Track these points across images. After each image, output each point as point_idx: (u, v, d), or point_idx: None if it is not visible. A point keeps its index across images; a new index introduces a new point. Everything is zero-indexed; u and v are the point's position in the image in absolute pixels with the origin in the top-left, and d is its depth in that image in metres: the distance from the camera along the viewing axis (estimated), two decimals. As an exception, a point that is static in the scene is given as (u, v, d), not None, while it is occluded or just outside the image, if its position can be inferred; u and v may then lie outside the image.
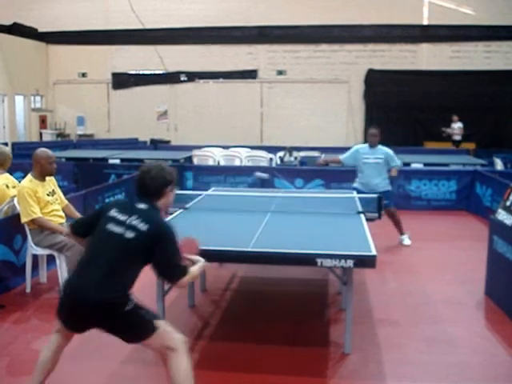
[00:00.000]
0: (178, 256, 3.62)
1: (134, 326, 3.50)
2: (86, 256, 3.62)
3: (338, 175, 11.28)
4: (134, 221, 3.54)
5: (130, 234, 3.51)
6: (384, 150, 8.58)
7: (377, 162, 8.51)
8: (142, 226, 3.52)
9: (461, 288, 6.56)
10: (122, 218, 3.59)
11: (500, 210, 6.10)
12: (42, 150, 6.29)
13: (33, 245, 6.12)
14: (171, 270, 3.61)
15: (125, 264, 3.51)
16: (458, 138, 18.25)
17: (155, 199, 3.73)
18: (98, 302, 3.41)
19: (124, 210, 3.64)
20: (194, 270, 3.79)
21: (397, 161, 8.59)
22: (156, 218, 3.65)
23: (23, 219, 6.01)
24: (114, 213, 3.64)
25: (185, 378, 3.54)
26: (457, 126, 18.08)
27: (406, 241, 8.69)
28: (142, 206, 3.66)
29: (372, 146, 8.60)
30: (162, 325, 3.59)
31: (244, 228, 5.47)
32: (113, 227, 3.57)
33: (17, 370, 4.49)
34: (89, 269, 3.51)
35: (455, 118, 18.21)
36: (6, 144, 16.74)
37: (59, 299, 3.64)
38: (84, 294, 3.43)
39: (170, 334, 3.59)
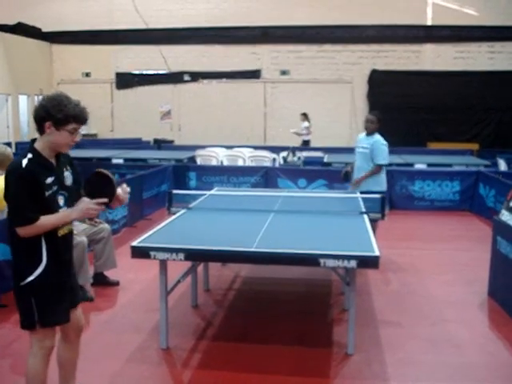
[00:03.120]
0: (14, 200, 3.21)
1: (19, 306, 3.43)
2: None
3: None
4: None
5: None
6: (373, 140, 7.68)
7: (362, 151, 7.76)
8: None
9: (464, 289, 6.55)
10: None
11: (503, 211, 6.10)
12: None
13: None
14: (11, 214, 3.27)
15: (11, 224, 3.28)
16: (306, 138, 17.81)
17: (40, 134, 3.30)
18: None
19: None
20: (49, 219, 3.26)
21: (379, 157, 7.61)
22: (11, 163, 3.40)
23: None
24: None
25: (28, 377, 3.52)
26: (303, 126, 17.73)
27: None
28: None
29: (367, 133, 7.81)
30: (44, 331, 3.43)
31: (247, 228, 5.46)
32: None
33: (20, 369, 4.49)
34: None
35: (302, 117, 17.79)
36: (9, 144, 16.78)
37: None
38: None
39: (40, 342, 3.46)
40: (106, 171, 3.48)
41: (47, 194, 3.25)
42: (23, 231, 3.19)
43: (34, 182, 3.18)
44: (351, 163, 8.10)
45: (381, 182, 7.72)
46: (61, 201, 3.34)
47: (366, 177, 7.64)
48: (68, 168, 3.46)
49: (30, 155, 3.24)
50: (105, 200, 3.39)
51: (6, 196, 3.23)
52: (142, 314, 5.68)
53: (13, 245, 3.35)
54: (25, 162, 3.19)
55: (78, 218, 3.45)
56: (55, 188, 3.30)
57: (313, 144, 17.80)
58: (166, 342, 4.82)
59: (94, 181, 3.47)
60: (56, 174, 3.33)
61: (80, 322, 3.73)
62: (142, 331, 5.20)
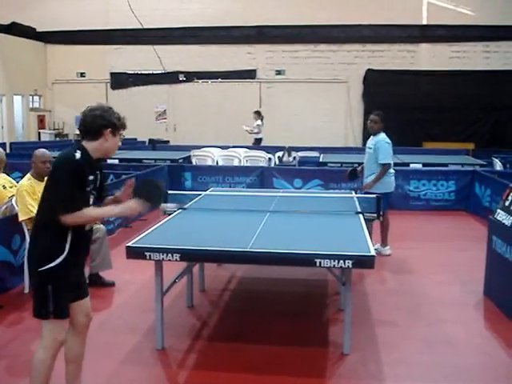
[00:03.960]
0: (60, 187, 3.37)
1: (35, 293, 3.51)
2: None
3: (337, 175, 11.26)
4: None
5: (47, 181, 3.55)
6: (377, 139, 7.77)
7: (368, 151, 7.85)
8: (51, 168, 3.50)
9: (460, 288, 6.55)
10: None
11: (499, 211, 6.10)
12: (38, 150, 6.29)
13: (31, 245, 6.10)
14: (54, 200, 3.39)
15: (40, 212, 3.50)
16: (258, 136, 17.78)
17: (92, 139, 3.53)
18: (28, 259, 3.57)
19: None
20: (95, 211, 3.56)
21: (380, 156, 7.63)
22: (63, 152, 3.53)
23: (21, 217, 6.00)
24: None
25: (34, 365, 3.53)
26: (256, 124, 17.68)
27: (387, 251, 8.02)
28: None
29: (371, 133, 7.94)
30: (57, 323, 3.49)
31: (243, 228, 5.45)
32: None
33: (15, 370, 4.48)
34: None
35: (255, 115, 17.77)
36: (3, 144, 16.74)
37: None
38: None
39: (53, 334, 3.51)
40: (160, 183, 3.88)
41: (87, 189, 3.51)
42: (69, 218, 3.35)
43: (82, 174, 3.42)
44: (362, 163, 8.07)
45: (385, 183, 7.72)
46: (91, 199, 3.59)
47: (376, 181, 7.65)
48: (98, 173, 3.67)
49: (79, 151, 3.44)
50: (149, 205, 3.67)
51: (52, 182, 3.42)
52: (137, 314, 5.67)
53: (37, 231, 3.47)
54: (78, 155, 3.41)
55: (120, 215, 3.65)
56: (91, 186, 3.56)
57: (309, 144, 17.76)
58: (161, 342, 4.81)
59: (145, 186, 3.80)
60: (95, 174, 3.60)
61: (90, 313, 3.83)
62: (137, 332, 5.19)
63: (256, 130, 17.62)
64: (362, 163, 8.08)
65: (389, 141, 7.78)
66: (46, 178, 6.10)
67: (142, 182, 3.88)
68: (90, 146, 3.52)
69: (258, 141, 17.70)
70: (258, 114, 17.76)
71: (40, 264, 3.39)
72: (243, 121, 20.86)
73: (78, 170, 3.38)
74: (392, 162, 7.88)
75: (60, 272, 3.41)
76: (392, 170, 7.90)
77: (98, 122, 3.51)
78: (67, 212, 3.34)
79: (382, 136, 7.79)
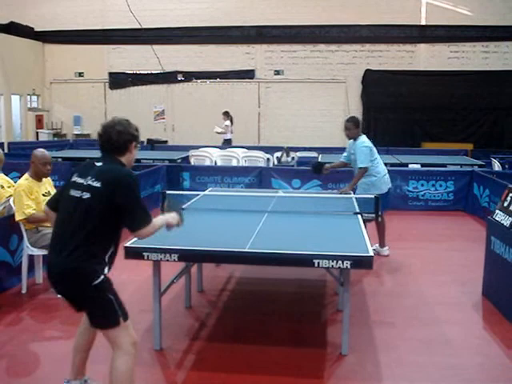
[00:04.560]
0: (137, 203, 3.49)
1: (97, 306, 3.47)
2: (56, 225, 3.61)
3: (336, 176, 11.24)
4: (90, 180, 3.48)
5: (86, 195, 3.46)
6: (356, 143, 7.68)
7: (353, 158, 7.79)
8: (96, 184, 3.44)
9: (458, 289, 6.55)
10: (80, 180, 3.54)
11: (497, 211, 6.09)
12: (38, 150, 6.27)
13: (29, 245, 6.10)
14: (132, 218, 3.48)
15: (87, 228, 3.40)
16: (227, 137, 17.73)
17: (120, 155, 3.64)
18: (63, 272, 3.42)
19: (83, 172, 3.58)
20: (157, 220, 3.69)
21: (358, 160, 7.57)
22: (111, 171, 3.52)
23: (18, 217, 5.98)
24: (75, 177, 3.60)
25: (121, 379, 3.51)
26: (225, 125, 17.66)
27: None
28: (99, 163, 3.60)
29: (351, 139, 7.85)
30: (126, 325, 3.53)
31: (241, 229, 5.45)
32: (72, 192, 3.53)
33: (13, 371, 4.47)
34: (56, 239, 3.52)
35: (224, 116, 17.75)
36: (1, 144, 16.73)
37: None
38: (54, 266, 3.47)
39: (128, 336, 3.54)
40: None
41: None
42: (149, 229, 3.54)
43: None
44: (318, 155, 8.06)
45: (376, 185, 7.66)
46: None
47: (353, 184, 7.67)
48: None
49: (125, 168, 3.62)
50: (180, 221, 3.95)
51: (129, 202, 3.45)
52: (135, 315, 5.62)
53: (83, 246, 3.40)
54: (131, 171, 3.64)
55: (169, 224, 3.83)
56: None
57: (307, 144, 17.77)
58: (159, 343, 4.80)
59: (175, 205, 4.20)
60: None
61: None
62: (135, 332, 5.16)
63: (225, 131, 17.62)
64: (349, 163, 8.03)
65: (368, 144, 7.67)
66: (44, 179, 6.19)
67: (172, 202, 4.21)
68: (123, 160, 3.66)
69: (227, 141, 17.70)
70: (227, 114, 17.79)
71: (93, 278, 3.39)
72: (243, 121, 20.92)
73: (138, 184, 3.62)
74: (377, 165, 7.77)
75: (108, 280, 3.50)
76: (382, 171, 7.82)
77: (125, 138, 3.63)
78: (147, 223, 3.51)
79: (361, 140, 7.69)
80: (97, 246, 3.45)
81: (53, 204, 3.82)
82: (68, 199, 3.55)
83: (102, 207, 3.41)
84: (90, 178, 3.48)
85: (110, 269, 3.57)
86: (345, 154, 8.10)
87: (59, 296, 3.74)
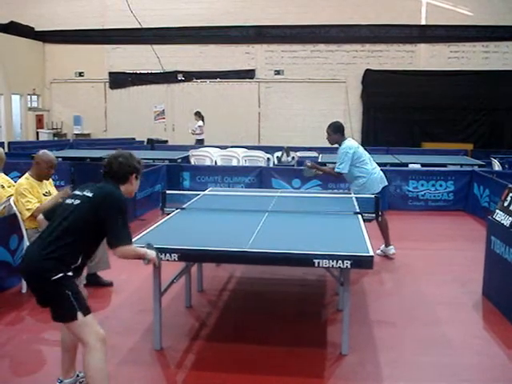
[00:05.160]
0: (120, 223, 3.64)
1: (55, 300, 3.58)
2: (45, 228, 3.80)
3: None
4: (85, 191, 3.74)
5: (76, 202, 3.70)
6: (339, 149, 7.76)
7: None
8: (89, 194, 3.70)
9: (458, 289, 6.54)
10: (77, 192, 3.81)
11: (498, 211, 6.09)
12: (45, 153, 6.28)
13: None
14: (113, 235, 3.64)
15: (64, 230, 3.60)
16: (199, 137, 17.86)
17: (119, 183, 3.87)
18: (30, 265, 3.60)
19: (83, 187, 3.84)
20: (139, 248, 3.90)
21: (337, 162, 7.67)
22: (106, 188, 3.78)
23: (25, 216, 6.00)
24: (75, 191, 3.87)
25: (94, 375, 3.59)
26: (197, 125, 17.74)
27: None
28: (102, 183, 3.85)
29: (334, 145, 7.96)
30: (85, 319, 3.59)
31: (241, 228, 5.45)
32: (67, 200, 3.80)
33: (13, 370, 4.47)
34: (36, 239, 3.75)
35: (196, 116, 17.87)
36: (2, 143, 16.73)
37: None
38: (25, 258, 3.71)
39: (89, 328, 3.61)
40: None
41: None
42: (124, 250, 3.67)
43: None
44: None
45: (367, 186, 7.63)
46: None
47: (321, 170, 8.12)
48: None
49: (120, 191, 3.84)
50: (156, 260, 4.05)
51: (112, 218, 3.61)
52: (135, 314, 5.66)
53: (55, 243, 3.56)
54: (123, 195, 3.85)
55: (147, 258, 3.94)
56: None
57: (307, 144, 17.75)
58: (159, 343, 4.80)
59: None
60: None
61: None
62: (135, 332, 5.18)
63: (198, 131, 17.63)
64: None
65: (348, 149, 7.64)
66: (46, 181, 6.19)
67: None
68: (121, 188, 3.88)
69: (200, 141, 17.74)
70: (199, 114, 17.87)
71: (53, 274, 3.51)
72: (243, 121, 20.93)
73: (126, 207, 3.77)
74: (368, 165, 7.76)
75: (70, 278, 3.59)
76: (371, 171, 7.74)
77: (126, 170, 3.88)
78: (127, 244, 3.67)
79: (343, 145, 7.72)
80: (68, 252, 3.59)
81: (49, 214, 4.00)
82: (63, 206, 3.82)
83: (85, 216, 3.63)
84: (86, 190, 3.76)
85: (74, 276, 3.65)
86: None
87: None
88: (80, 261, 3.66)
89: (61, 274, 3.51)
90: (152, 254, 3.98)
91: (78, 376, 4.06)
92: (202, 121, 17.84)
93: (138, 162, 3.97)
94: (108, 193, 3.72)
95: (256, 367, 4.55)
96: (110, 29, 21.14)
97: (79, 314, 3.55)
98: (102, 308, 5.87)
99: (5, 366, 4.53)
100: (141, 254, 3.90)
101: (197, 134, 17.75)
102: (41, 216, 4.07)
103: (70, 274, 3.57)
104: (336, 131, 7.81)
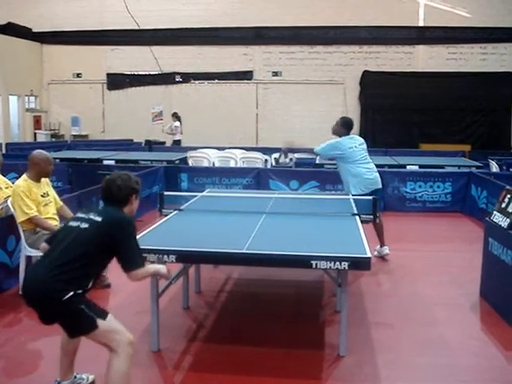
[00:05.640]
0: (134, 247, 3.69)
1: (69, 317, 3.54)
2: (49, 249, 3.76)
3: (333, 177, 11.24)
4: (91, 215, 3.72)
5: (84, 225, 3.66)
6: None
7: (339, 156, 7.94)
8: (97, 218, 3.68)
9: (456, 290, 6.55)
10: (82, 215, 3.79)
11: (495, 212, 6.10)
12: (39, 152, 6.27)
13: (26, 246, 6.09)
14: (127, 260, 3.65)
15: (74, 253, 3.55)
16: (176, 137, 17.96)
17: (121, 207, 3.88)
18: (37, 289, 3.50)
19: (86, 210, 3.85)
20: (150, 266, 3.90)
21: (319, 146, 7.89)
22: (113, 212, 3.80)
23: (20, 218, 5.98)
24: (77, 214, 3.87)
25: (117, 381, 3.57)
26: (174, 126, 17.78)
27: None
28: (104, 207, 3.91)
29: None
30: (106, 323, 3.59)
31: (239, 230, 5.44)
32: (71, 223, 3.79)
33: (11, 372, 4.46)
34: (41, 260, 3.68)
35: (173, 117, 17.97)
36: (-1, 145, 16.73)
37: None
38: (30, 283, 3.60)
39: (113, 334, 3.61)
40: None
41: None
42: (139, 273, 3.67)
43: None
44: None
45: (355, 185, 7.68)
46: None
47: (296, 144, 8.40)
48: None
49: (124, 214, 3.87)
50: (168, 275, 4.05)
51: (126, 243, 3.64)
52: (132, 316, 5.65)
53: (67, 272, 3.50)
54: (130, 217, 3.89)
55: (158, 274, 4.01)
56: None
57: (305, 145, 17.75)
58: (157, 344, 4.79)
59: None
60: None
61: None
62: (132, 333, 5.09)
63: (174, 132, 17.65)
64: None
65: (338, 145, 7.79)
66: (42, 180, 6.19)
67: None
68: (125, 210, 3.91)
69: (177, 142, 17.84)
70: (176, 115, 17.99)
71: (62, 294, 3.45)
72: (241, 122, 20.94)
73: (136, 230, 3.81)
74: (357, 166, 7.75)
75: (79, 294, 3.54)
76: (363, 173, 7.72)
77: (128, 192, 3.89)
78: (141, 267, 3.68)
79: (340, 139, 7.88)
80: (79, 275, 3.55)
81: (50, 239, 3.93)
82: (66, 228, 3.78)
83: (96, 241, 3.60)
84: (92, 214, 3.73)
85: (84, 293, 3.62)
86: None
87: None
88: (91, 283, 3.66)
89: (71, 293, 3.46)
90: (163, 269, 3.97)
91: (75, 377, 4.07)
92: (179, 122, 17.98)
93: (137, 183, 3.98)
94: (118, 218, 3.74)
95: (253, 369, 4.54)
96: (107, 30, 21.13)
97: (99, 321, 3.54)
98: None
99: (2, 367, 4.52)
100: (153, 273, 3.92)
101: (172, 134, 17.73)
102: (44, 244, 3.97)
103: (80, 291, 3.54)
104: (344, 126, 7.95)
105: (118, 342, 3.59)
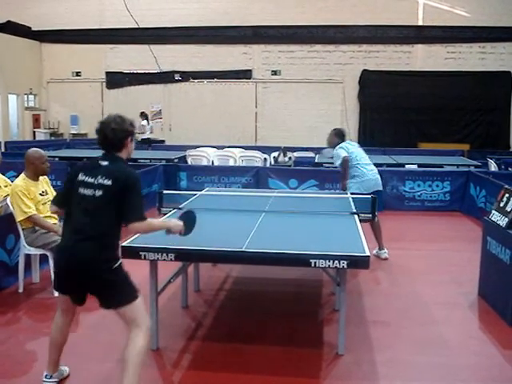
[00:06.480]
0: (137, 201, 3.76)
1: (119, 286, 3.74)
2: (70, 221, 3.82)
3: (332, 176, 11.26)
4: (100, 179, 3.73)
5: (98, 193, 3.72)
6: (334, 152, 8.11)
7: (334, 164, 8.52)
8: (107, 182, 3.71)
9: (454, 289, 6.56)
10: (89, 180, 3.77)
11: (494, 211, 6.11)
12: (34, 150, 6.26)
13: (26, 244, 6.09)
14: (132, 211, 3.74)
15: (102, 220, 3.71)
16: (145, 136, 17.91)
17: (117, 151, 3.90)
18: (85, 262, 3.66)
19: (90, 171, 3.82)
20: (156, 221, 4.03)
21: (336, 160, 8.06)
22: (118, 171, 3.80)
23: (19, 218, 5.98)
24: (81, 176, 3.81)
25: (137, 355, 3.72)
26: (141, 124, 17.73)
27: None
28: (105, 163, 3.84)
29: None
30: (141, 297, 3.83)
31: (238, 228, 5.44)
32: (84, 190, 3.76)
33: (9, 370, 4.46)
34: (74, 231, 3.73)
35: (141, 116, 17.96)
36: (-1, 143, 16.73)
37: (54, 269, 3.93)
38: (73, 258, 3.69)
39: (142, 310, 3.85)
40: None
41: None
42: (142, 226, 3.79)
43: None
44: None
45: (356, 187, 7.83)
46: None
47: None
48: None
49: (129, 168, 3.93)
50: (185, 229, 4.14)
51: (130, 197, 3.73)
52: (131, 314, 5.65)
53: (103, 236, 3.72)
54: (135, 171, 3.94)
55: (171, 228, 4.07)
56: None
57: (304, 144, 17.78)
58: (156, 342, 4.80)
59: (188, 215, 4.34)
60: None
61: None
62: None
63: (142, 130, 17.62)
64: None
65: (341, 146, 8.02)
66: (41, 178, 6.19)
67: (187, 212, 4.38)
68: (123, 156, 3.94)
69: (145, 141, 17.86)
70: (143, 114, 18.03)
71: (113, 263, 3.72)
72: (240, 121, 20.95)
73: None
74: (356, 168, 7.95)
75: (121, 262, 3.83)
76: (362, 175, 7.88)
77: (119, 135, 3.86)
78: (144, 219, 3.75)
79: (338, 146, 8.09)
80: (111, 237, 3.78)
81: (59, 202, 4.03)
82: (81, 197, 3.76)
83: (113, 203, 3.70)
84: (100, 177, 3.74)
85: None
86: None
87: (56, 294, 4.01)
88: (118, 240, 3.88)
89: (119, 261, 3.76)
90: (176, 224, 4.06)
91: (61, 369, 4.17)
92: (147, 120, 18.09)
93: (131, 124, 3.97)
94: (126, 177, 3.76)
95: (252, 367, 4.55)
96: (107, 28, 21.12)
97: (138, 294, 3.80)
98: (99, 308, 5.86)
99: (1, 366, 4.52)
100: (162, 228, 4.02)
101: (141, 133, 17.70)
102: (54, 207, 4.08)
103: (119, 254, 3.83)
104: (337, 135, 8.13)
105: (144, 318, 3.82)
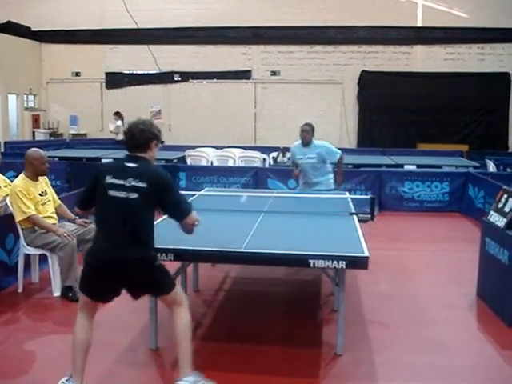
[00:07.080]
0: (181, 196, 4.05)
1: (162, 279, 4.02)
2: (103, 224, 3.97)
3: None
4: (133, 181, 3.85)
5: (133, 195, 3.84)
6: (317, 149, 8.06)
7: (311, 161, 8.05)
8: (141, 184, 3.84)
9: (453, 290, 6.57)
10: (119, 182, 3.87)
11: (492, 212, 6.12)
12: (33, 150, 6.27)
13: (25, 244, 6.10)
14: (180, 208, 4.01)
15: (140, 221, 3.90)
16: (119, 137, 17.02)
17: (143, 151, 4.01)
18: (128, 263, 3.84)
19: (118, 173, 3.91)
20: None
21: (335, 153, 8.11)
22: (149, 172, 3.95)
23: (18, 218, 5.99)
24: (110, 179, 3.89)
25: (185, 329, 4.00)
26: (116, 125, 17.51)
27: None
28: (131, 164, 3.95)
29: (304, 144, 8.16)
30: (177, 282, 4.24)
31: (237, 229, 5.46)
32: (115, 193, 3.86)
33: (8, 370, 4.46)
34: (113, 233, 3.87)
35: (115, 116, 17.77)
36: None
37: (84, 271, 4.01)
38: (115, 259, 3.84)
39: (180, 290, 4.17)
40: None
41: None
42: (192, 217, 4.05)
43: None
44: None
45: (333, 181, 8.12)
46: None
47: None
48: None
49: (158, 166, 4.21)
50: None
51: (172, 197, 3.97)
52: (131, 314, 5.66)
53: (145, 234, 3.95)
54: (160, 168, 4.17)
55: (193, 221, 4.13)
56: None
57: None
58: (155, 342, 4.81)
59: None
60: None
61: None
62: (131, 332, 5.19)
63: (116, 131, 17.45)
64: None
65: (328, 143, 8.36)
66: (40, 178, 6.19)
67: None
68: (148, 157, 4.05)
69: (119, 142, 17.58)
70: (118, 114, 17.81)
71: (155, 261, 4.00)
72: (239, 121, 20.94)
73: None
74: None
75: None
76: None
77: (148, 136, 4.02)
78: (191, 211, 4.03)
79: (321, 141, 8.38)
80: (148, 235, 3.96)
81: (84, 204, 4.21)
82: (112, 199, 3.87)
83: (150, 204, 3.91)
84: (131, 179, 3.86)
85: None
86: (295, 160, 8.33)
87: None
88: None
89: (159, 260, 4.06)
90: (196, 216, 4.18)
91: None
92: (122, 121, 17.59)
93: (158, 131, 4.12)
94: (158, 178, 3.92)
95: (251, 367, 4.56)
96: (106, 29, 21.08)
97: (174, 280, 4.20)
98: (98, 308, 5.87)
99: (0, 366, 4.53)
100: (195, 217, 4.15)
101: (115, 134, 17.54)
102: (78, 210, 4.31)
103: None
104: (313, 132, 8.34)
105: (183, 296, 4.13)
